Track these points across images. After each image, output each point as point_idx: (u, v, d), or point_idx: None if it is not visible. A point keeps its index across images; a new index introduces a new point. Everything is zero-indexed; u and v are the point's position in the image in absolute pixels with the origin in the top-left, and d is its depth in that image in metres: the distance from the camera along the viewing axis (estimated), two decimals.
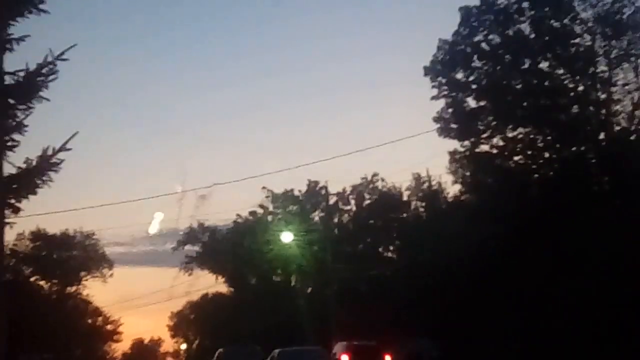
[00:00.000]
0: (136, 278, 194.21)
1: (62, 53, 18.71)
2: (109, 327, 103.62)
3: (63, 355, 68.63)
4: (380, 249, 71.38)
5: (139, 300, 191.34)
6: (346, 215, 74.91)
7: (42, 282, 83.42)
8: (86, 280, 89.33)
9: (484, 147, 48.10)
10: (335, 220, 74.41)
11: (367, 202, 73.23)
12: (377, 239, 70.86)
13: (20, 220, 20.09)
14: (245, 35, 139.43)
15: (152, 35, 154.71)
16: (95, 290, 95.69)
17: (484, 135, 47.54)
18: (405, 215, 68.64)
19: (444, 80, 48.04)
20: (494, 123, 46.93)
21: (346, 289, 60.37)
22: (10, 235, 78.43)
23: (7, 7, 18.46)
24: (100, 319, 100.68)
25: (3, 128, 18.24)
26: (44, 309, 69.44)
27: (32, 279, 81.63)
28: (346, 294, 59.41)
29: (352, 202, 74.27)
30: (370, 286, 61.42)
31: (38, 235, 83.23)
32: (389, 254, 70.75)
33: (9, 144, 18.40)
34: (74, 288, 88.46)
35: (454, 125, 47.97)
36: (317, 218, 74.46)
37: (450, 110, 48.19)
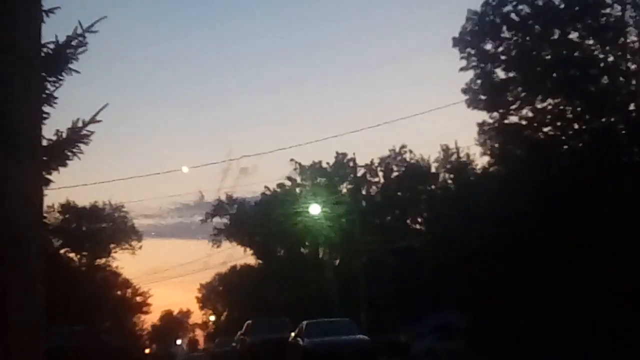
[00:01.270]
0: (165, 250, 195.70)
1: (92, 25, 18.87)
2: (138, 299, 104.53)
3: (93, 326, 69.45)
4: (408, 221, 71.60)
5: (168, 272, 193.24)
6: (374, 187, 75.10)
7: (71, 255, 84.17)
8: (115, 252, 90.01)
9: (513, 119, 48.04)
10: (364, 192, 74.58)
11: (395, 174, 73.37)
12: (405, 211, 71.06)
13: (50, 192, 20.27)
14: (274, 12, 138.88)
15: (187, 6, 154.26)
16: (125, 262, 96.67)
17: (513, 107, 47.45)
18: (433, 187, 68.75)
19: (472, 52, 47.96)
20: (523, 94, 46.81)
21: (374, 261, 60.60)
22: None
23: None
24: (129, 290, 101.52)
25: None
26: (73, 281, 70.13)
27: (61, 251, 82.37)
28: (374, 266, 59.64)
29: (380, 174, 74.46)
30: (398, 258, 61.65)
31: (67, 208, 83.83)
32: (417, 226, 70.97)
33: (42, 116, 18.59)
34: (103, 260, 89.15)
35: (482, 97, 47.89)
36: (345, 190, 74.65)
37: (479, 81, 48.10)
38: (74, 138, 18.96)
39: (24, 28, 5.69)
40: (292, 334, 33.65)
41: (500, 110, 47.86)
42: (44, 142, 18.76)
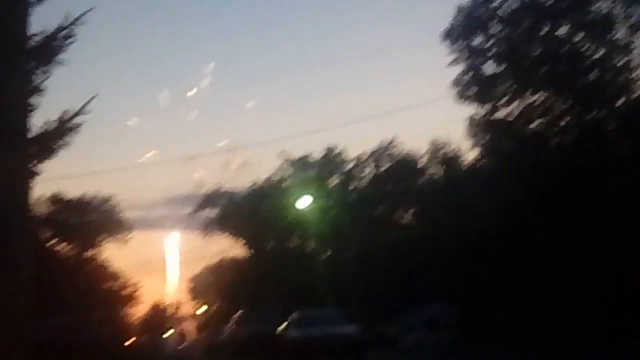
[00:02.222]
0: (155, 242, 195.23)
1: (80, 16, 18.99)
2: (127, 290, 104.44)
3: (81, 318, 69.46)
4: (397, 215, 71.81)
5: (157, 264, 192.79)
6: (364, 181, 75.27)
7: (60, 247, 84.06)
8: (104, 244, 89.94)
9: (502, 113, 48.22)
10: (353, 186, 74.80)
11: (384, 168, 73.54)
12: (394, 205, 71.25)
13: (39, 183, 20.39)
14: (263, 6, 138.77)
15: None
16: (114, 254, 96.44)
17: (502, 101, 47.64)
18: (422, 181, 68.95)
19: (462, 46, 48.12)
20: (512, 88, 47.02)
21: (363, 253, 60.87)
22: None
23: None
24: (118, 283, 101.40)
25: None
26: (62, 272, 70.10)
27: (50, 243, 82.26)
28: (363, 258, 59.90)
29: (369, 168, 74.63)
30: (387, 250, 61.90)
31: (57, 199, 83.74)
32: (406, 220, 71.17)
33: (28, 107, 18.63)
34: (92, 252, 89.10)
35: (472, 91, 48.08)
36: (334, 184, 74.85)
37: (468, 75, 48.28)
38: (63, 129, 19.06)
39: (8, 18, 5.81)
40: (282, 326, 33.83)
41: (490, 105, 48.05)
42: (33, 133, 18.89)
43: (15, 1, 5.54)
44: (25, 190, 5.30)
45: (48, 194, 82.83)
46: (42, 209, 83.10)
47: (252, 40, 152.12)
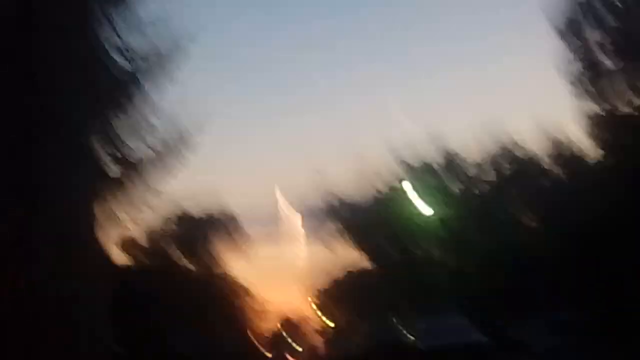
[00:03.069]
0: (279, 256, 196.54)
1: (192, 36, 19.47)
2: (256, 306, 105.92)
3: (214, 334, 70.90)
4: (523, 219, 70.81)
5: (284, 278, 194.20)
6: (485, 185, 74.55)
7: (189, 265, 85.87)
8: (231, 259, 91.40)
9: (623, 108, 47.28)
10: (475, 191, 74.19)
11: (506, 170, 72.71)
12: (519, 209, 70.31)
13: (164, 202, 20.92)
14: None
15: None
16: (240, 270, 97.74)
17: (622, 96, 46.75)
18: (546, 182, 67.84)
19: (578, 41, 47.47)
20: (631, 83, 46.09)
21: (489, 259, 60.36)
22: (156, 219, 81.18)
23: None
24: (247, 298, 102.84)
25: (139, 111, 19.00)
26: (194, 291, 71.67)
27: (180, 262, 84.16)
28: (489, 264, 59.41)
29: (491, 171, 73.89)
30: (514, 256, 61.16)
31: (183, 217, 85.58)
32: (533, 224, 70.14)
33: (146, 127, 19.17)
34: (220, 268, 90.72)
35: (590, 87, 47.36)
36: (456, 189, 74.40)
37: (586, 71, 47.57)
38: (180, 147, 19.65)
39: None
40: (410, 336, 33.97)
41: (610, 100, 47.18)
42: (152, 153, 19.51)
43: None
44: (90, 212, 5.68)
45: (173, 212, 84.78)
46: (170, 228, 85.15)
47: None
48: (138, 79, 18.82)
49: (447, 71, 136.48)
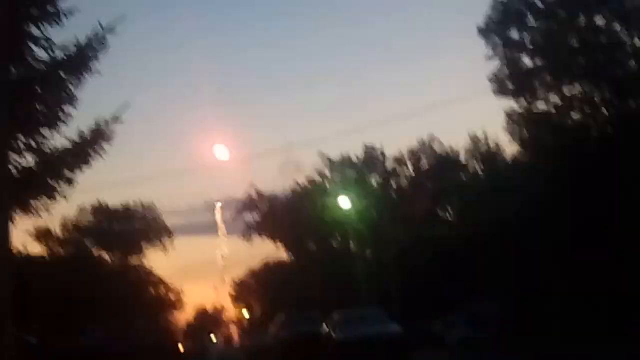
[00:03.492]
0: (196, 248, 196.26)
1: (112, 25, 19.22)
2: (171, 296, 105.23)
3: (127, 325, 70.09)
4: (439, 212, 71.56)
5: (200, 270, 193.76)
6: (404, 179, 75.12)
7: (104, 255, 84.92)
8: (147, 251, 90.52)
9: (541, 106, 47.94)
10: (394, 184, 74.71)
11: (425, 165, 73.35)
12: (435, 202, 71.03)
13: (81, 195, 20.74)
14: (303, 9, 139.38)
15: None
16: (157, 261, 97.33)
17: (541, 94, 47.36)
18: (463, 177, 68.66)
19: (498, 40, 47.92)
20: (551, 82, 46.71)
21: (405, 252, 60.77)
22: (70, 209, 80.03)
23: None
24: (162, 288, 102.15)
25: (55, 101, 18.78)
26: (107, 281, 70.86)
27: (95, 252, 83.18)
28: (405, 257, 59.79)
29: (410, 166, 74.44)
30: (429, 248, 61.72)
31: (99, 209, 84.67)
32: (448, 217, 70.92)
33: (62, 117, 18.97)
34: (136, 260, 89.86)
35: (510, 85, 47.85)
36: (374, 183, 74.83)
37: (506, 70, 48.07)
38: (97, 138, 19.42)
39: None
40: (325, 327, 33.90)
41: (528, 98, 47.78)
42: (67, 143, 19.20)
43: None
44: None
45: (89, 204, 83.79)
46: (85, 219, 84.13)
47: (286, 42, 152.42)
48: (56, 69, 18.49)
49: (369, 70, 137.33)
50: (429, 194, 70.29)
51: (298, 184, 79.80)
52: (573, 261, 41.77)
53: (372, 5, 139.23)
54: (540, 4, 46.71)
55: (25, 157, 18.88)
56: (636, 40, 45.15)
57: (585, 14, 45.60)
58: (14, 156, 18.40)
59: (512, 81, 47.64)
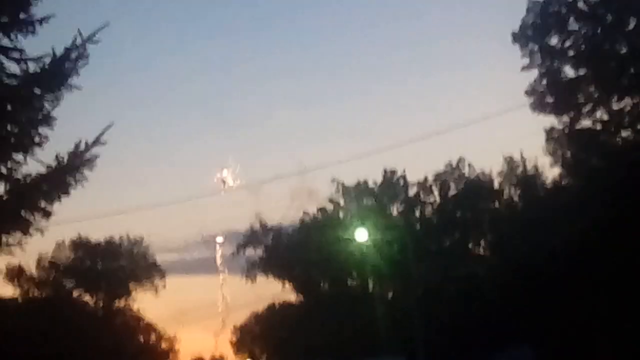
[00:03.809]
0: (192, 288, 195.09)
1: (93, 34, 19.05)
2: (163, 345, 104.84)
3: None
4: (469, 245, 71.34)
5: (196, 313, 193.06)
6: (429, 207, 74.93)
7: (86, 297, 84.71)
8: (136, 292, 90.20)
9: (586, 123, 47.81)
10: (417, 214, 74.50)
11: (453, 191, 73.17)
12: (466, 234, 70.81)
13: (59, 227, 20.58)
14: (311, 20, 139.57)
15: (205, 11, 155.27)
16: (147, 303, 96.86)
17: (585, 109, 47.25)
18: (497, 204, 68.48)
19: (536, 48, 47.87)
20: (596, 94, 46.60)
21: (431, 292, 60.48)
22: (47, 245, 79.84)
23: None
24: (153, 336, 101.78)
25: (29, 121, 18.61)
26: (89, 327, 70.71)
27: (75, 294, 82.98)
28: (431, 297, 59.50)
29: (436, 192, 74.27)
30: (459, 288, 61.46)
31: (80, 244, 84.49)
32: (480, 250, 70.68)
33: (36, 139, 18.73)
34: (122, 302, 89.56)
35: (549, 99, 47.76)
36: (395, 212, 74.64)
37: (544, 81, 47.98)
38: (77, 163, 19.12)
39: None
40: None
41: (571, 113, 47.66)
42: (42, 169, 19.01)
43: None
44: None
45: (70, 238, 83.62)
46: (63, 256, 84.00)
47: (292, 55, 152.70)
48: (29, 83, 18.36)
49: (390, 82, 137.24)
50: (458, 224, 70.06)
51: (307, 214, 79.59)
52: (626, 302, 41.46)
53: (390, 14, 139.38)
54: (583, 6, 46.65)
55: None
56: None
57: (636, 17, 45.51)
58: None
59: (552, 94, 47.55)
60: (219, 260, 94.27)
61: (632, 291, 41.06)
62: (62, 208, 19.75)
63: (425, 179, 74.06)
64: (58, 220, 20.05)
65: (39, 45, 18.84)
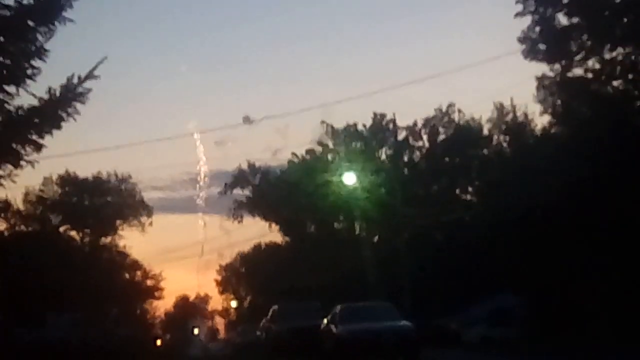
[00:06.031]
0: (179, 227, 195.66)
1: None
2: (149, 282, 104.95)
3: (97, 314, 70.04)
4: (457, 191, 71.57)
5: (183, 251, 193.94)
6: (418, 152, 75.01)
7: (73, 233, 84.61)
8: (122, 229, 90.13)
9: (578, 71, 47.61)
10: (406, 158, 74.58)
11: (442, 137, 73.23)
12: (453, 180, 71.00)
13: (47, 162, 20.45)
14: None
15: None
16: (133, 241, 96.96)
17: (578, 57, 46.97)
18: (486, 151, 68.58)
19: None
20: (589, 43, 46.39)
21: (418, 237, 60.70)
22: (35, 179, 79.61)
23: None
24: (139, 273, 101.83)
25: (22, 53, 18.44)
26: (75, 262, 70.68)
27: (61, 229, 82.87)
28: (418, 243, 59.71)
29: (425, 137, 74.30)
30: (446, 233, 61.70)
31: (67, 180, 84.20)
32: (468, 196, 70.93)
33: (29, 71, 18.57)
34: (109, 239, 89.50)
35: (542, 46, 47.53)
36: (384, 156, 74.66)
37: (537, 28, 47.74)
38: (69, 96, 18.97)
39: None
40: (325, 321, 33.84)
41: (563, 62, 47.43)
42: (34, 101, 18.88)
43: None
44: None
45: (58, 173, 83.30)
46: (51, 191, 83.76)
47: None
48: (23, 15, 18.15)
49: (383, 26, 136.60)
50: (446, 170, 70.20)
51: (295, 155, 79.52)
52: (613, 251, 41.63)
53: None
54: None
55: None
56: None
57: None
58: None
59: (545, 42, 47.37)
60: (205, 199, 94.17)
61: (619, 239, 41.20)
62: (50, 143, 19.65)
63: (415, 124, 74.07)
64: (46, 155, 19.96)
65: None
